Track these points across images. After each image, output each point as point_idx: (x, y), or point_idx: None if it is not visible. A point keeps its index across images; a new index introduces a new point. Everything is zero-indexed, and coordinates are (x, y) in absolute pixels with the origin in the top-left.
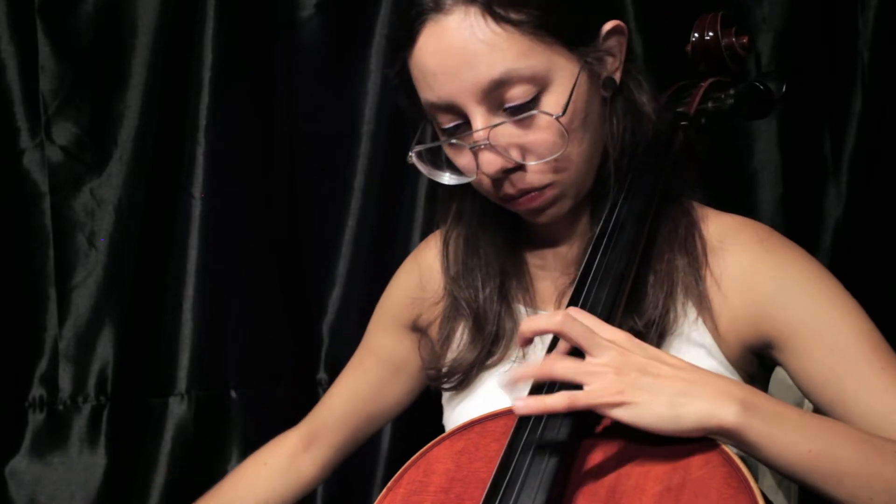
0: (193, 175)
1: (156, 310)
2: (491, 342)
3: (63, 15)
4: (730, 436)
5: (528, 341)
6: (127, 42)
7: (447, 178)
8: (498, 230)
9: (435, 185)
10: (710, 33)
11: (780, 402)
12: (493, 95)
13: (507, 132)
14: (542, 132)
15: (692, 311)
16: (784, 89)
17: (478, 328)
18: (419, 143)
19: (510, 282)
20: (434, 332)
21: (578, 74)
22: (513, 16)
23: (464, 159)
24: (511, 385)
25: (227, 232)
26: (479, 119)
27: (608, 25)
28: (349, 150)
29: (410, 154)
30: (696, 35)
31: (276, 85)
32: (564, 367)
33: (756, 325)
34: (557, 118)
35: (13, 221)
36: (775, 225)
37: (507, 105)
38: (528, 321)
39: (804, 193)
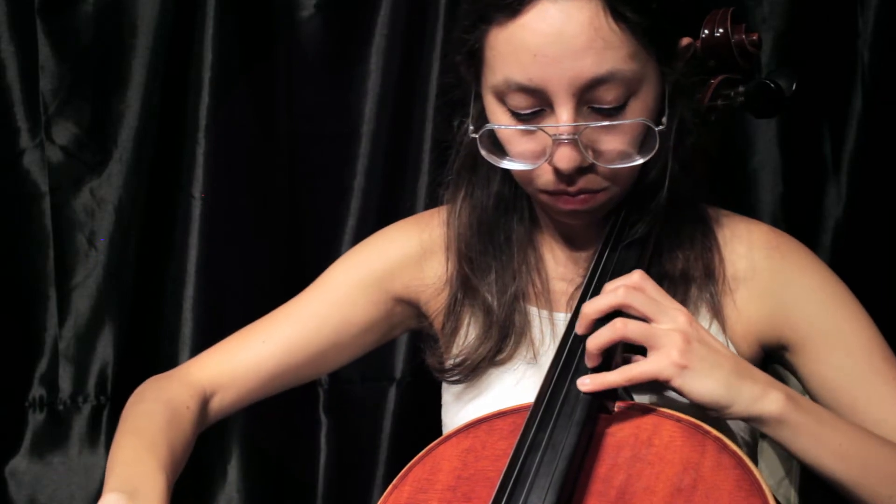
0: (193, 175)
1: (156, 310)
2: (502, 337)
3: (63, 15)
4: (770, 423)
5: (591, 325)
6: (127, 42)
7: (506, 163)
8: (511, 220)
9: (435, 186)
10: (721, 30)
11: (811, 400)
12: (588, 91)
13: (592, 130)
14: (625, 137)
15: (706, 318)
16: (794, 87)
17: (489, 321)
18: (478, 120)
19: (523, 277)
20: (439, 322)
21: (665, 86)
22: (629, 15)
23: (530, 146)
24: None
25: (227, 232)
26: (567, 112)
27: (684, 42)
28: (349, 151)
29: (472, 129)
30: (706, 31)
31: (276, 85)
32: (635, 329)
33: (774, 327)
34: (657, 128)
35: (13, 221)
36: (775, 225)
37: (595, 105)
38: (589, 304)
39: (804, 193)
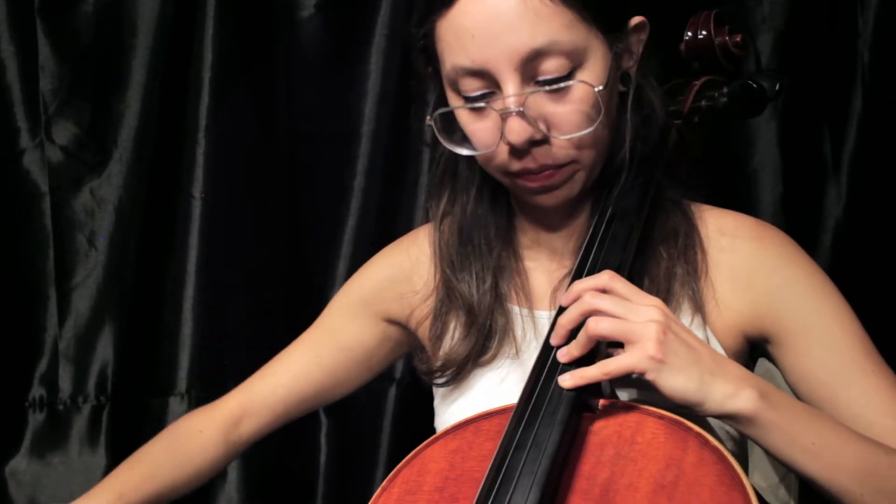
0: (193, 175)
1: (156, 310)
2: (484, 336)
3: (63, 15)
4: (742, 420)
5: (567, 336)
6: (127, 42)
7: (465, 150)
8: (490, 222)
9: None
10: (703, 32)
11: (788, 395)
12: (530, 66)
13: (540, 102)
14: (575, 106)
15: (687, 313)
16: (778, 88)
17: (471, 321)
18: (437, 107)
19: (503, 277)
20: (425, 329)
21: (612, 57)
22: None
23: (484, 129)
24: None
25: (227, 232)
26: (512, 86)
27: (635, 20)
28: (349, 151)
29: (428, 117)
30: (690, 34)
31: (276, 85)
32: (607, 326)
33: (757, 317)
34: (598, 90)
35: (13, 221)
36: (775, 225)
37: (541, 77)
38: (564, 316)
39: (804, 193)
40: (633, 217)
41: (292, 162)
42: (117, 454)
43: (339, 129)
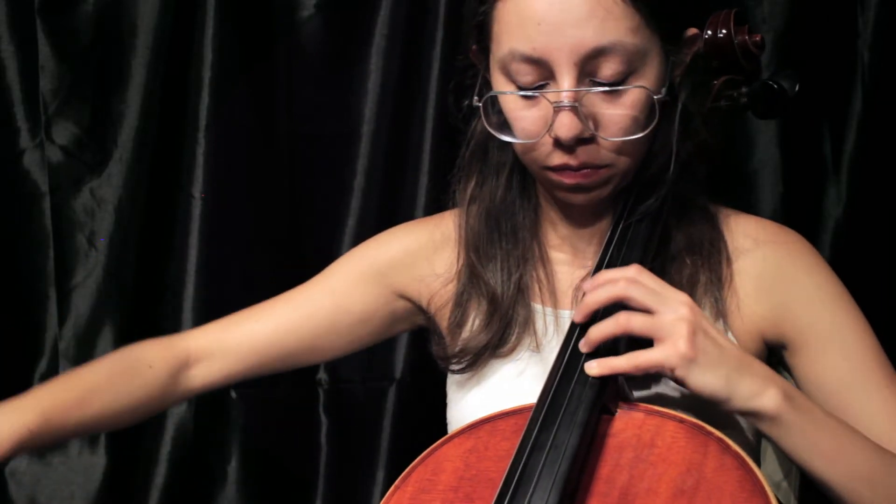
0: (193, 175)
1: (156, 310)
2: (504, 327)
3: (63, 15)
4: (765, 420)
5: (590, 315)
6: (127, 42)
7: (505, 136)
8: (518, 210)
9: (435, 185)
10: (723, 31)
11: (810, 399)
12: (590, 63)
13: (593, 101)
14: (628, 111)
15: (709, 318)
16: (797, 88)
17: (493, 310)
18: (482, 89)
19: (528, 270)
20: (445, 315)
21: (668, 66)
22: None
23: (532, 118)
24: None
25: (227, 232)
26: (568, 80)
27: (691, 31)
28: (349, 151)
29: (476, 98)
30: (709, 32)
31: (276, 85)
32: (639, 322)
33: (776, 322)
34: (656, 97)
35: (13, 221)
36: None
37: (597, 78)
38: (591, 295)
39: (804, 193)
40: (653, 220)
41: (292, 162)
42: (117, 454)
43: (339, 129)
